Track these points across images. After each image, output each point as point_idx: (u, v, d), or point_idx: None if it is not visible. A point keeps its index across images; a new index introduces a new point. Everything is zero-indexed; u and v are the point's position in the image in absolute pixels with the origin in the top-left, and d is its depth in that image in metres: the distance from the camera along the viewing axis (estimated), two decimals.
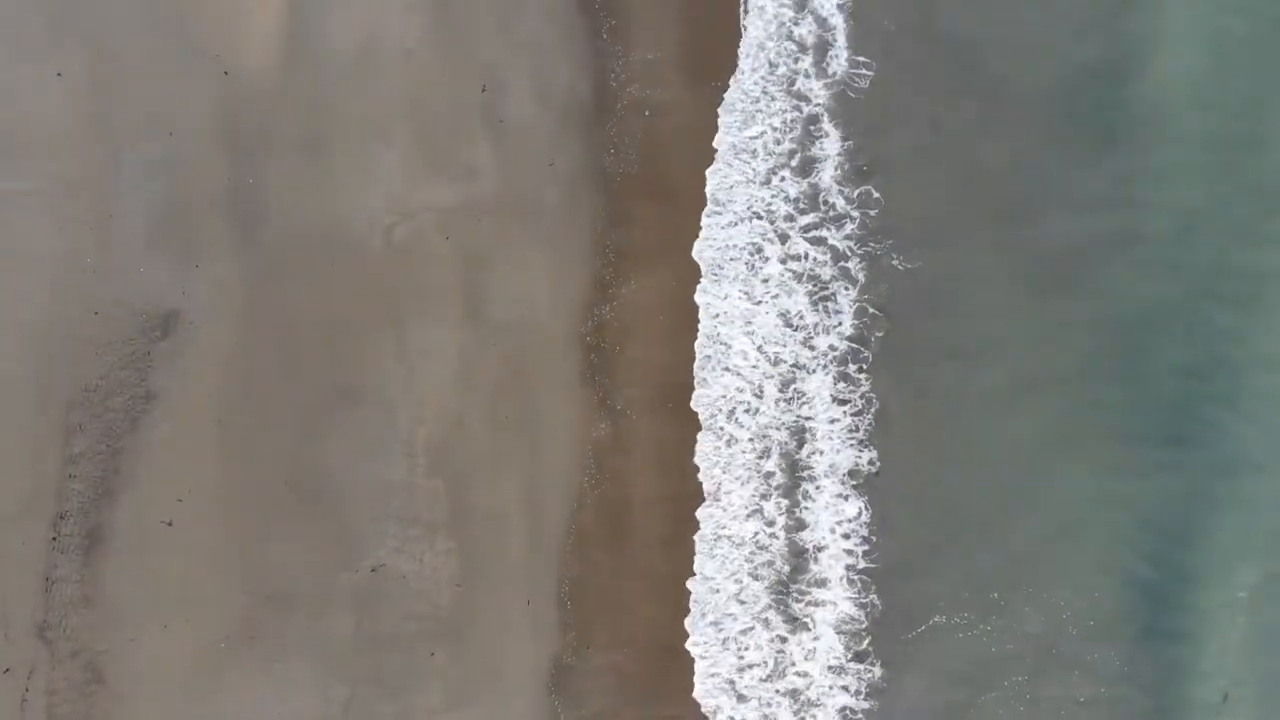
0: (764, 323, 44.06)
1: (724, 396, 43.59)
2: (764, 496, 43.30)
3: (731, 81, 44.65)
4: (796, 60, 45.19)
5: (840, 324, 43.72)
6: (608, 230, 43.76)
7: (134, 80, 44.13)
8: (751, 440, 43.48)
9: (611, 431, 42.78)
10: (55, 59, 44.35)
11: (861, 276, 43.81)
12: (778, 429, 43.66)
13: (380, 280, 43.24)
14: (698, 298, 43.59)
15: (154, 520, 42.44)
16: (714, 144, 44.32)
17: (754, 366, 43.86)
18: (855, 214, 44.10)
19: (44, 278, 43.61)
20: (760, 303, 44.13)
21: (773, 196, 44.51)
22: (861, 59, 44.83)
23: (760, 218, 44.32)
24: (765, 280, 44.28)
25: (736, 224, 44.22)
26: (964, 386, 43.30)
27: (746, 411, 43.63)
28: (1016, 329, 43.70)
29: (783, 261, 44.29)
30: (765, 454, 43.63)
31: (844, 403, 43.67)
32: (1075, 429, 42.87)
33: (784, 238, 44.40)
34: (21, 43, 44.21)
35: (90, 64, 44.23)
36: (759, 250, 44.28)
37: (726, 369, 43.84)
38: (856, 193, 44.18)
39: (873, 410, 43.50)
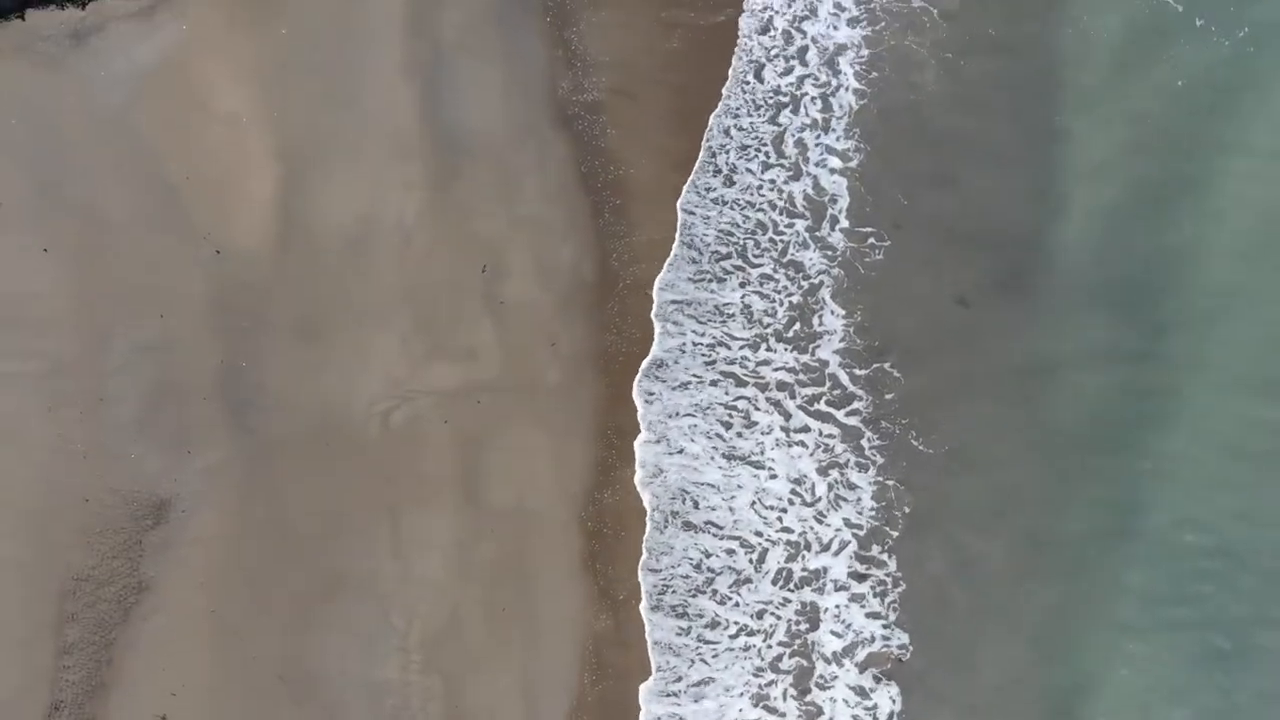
0: (760, 490, 43.21)
1: (696, 570, 42.49)
2: (767, 686, 42.52)
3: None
4: (798, 234, 44.45)
5: (859, 499, 42.80)
6: (610, 411, 43.02)
7: (124, 258, 43.70)
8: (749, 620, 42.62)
9: (613, 624, 42.05)
10: (42, 233, 43.70)
11: (880, 458, 42.99)
12: (780, 607, 42.86)
13: (377, 466, 42.63)
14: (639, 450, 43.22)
15: (148, 714, 41.72)
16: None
17: (736, 543, 43.08)
18: (864, 394, 43.34)
19: (34, 462, 43.01)
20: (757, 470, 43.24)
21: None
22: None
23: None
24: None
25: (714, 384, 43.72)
26: (999, 563, 42.55)
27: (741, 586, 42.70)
28: (1050, 495, 43.18)
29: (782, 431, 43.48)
30: (768, 635, 42.86)
31: (863, 578, 42.77)
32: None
33: (786, 413, 43.51)
34: (7, 215, 43.38)
35: (79, 239, 43.81)
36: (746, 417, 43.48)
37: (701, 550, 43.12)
38: (865, 372, 43.41)
39: (899, 589, 42.45)
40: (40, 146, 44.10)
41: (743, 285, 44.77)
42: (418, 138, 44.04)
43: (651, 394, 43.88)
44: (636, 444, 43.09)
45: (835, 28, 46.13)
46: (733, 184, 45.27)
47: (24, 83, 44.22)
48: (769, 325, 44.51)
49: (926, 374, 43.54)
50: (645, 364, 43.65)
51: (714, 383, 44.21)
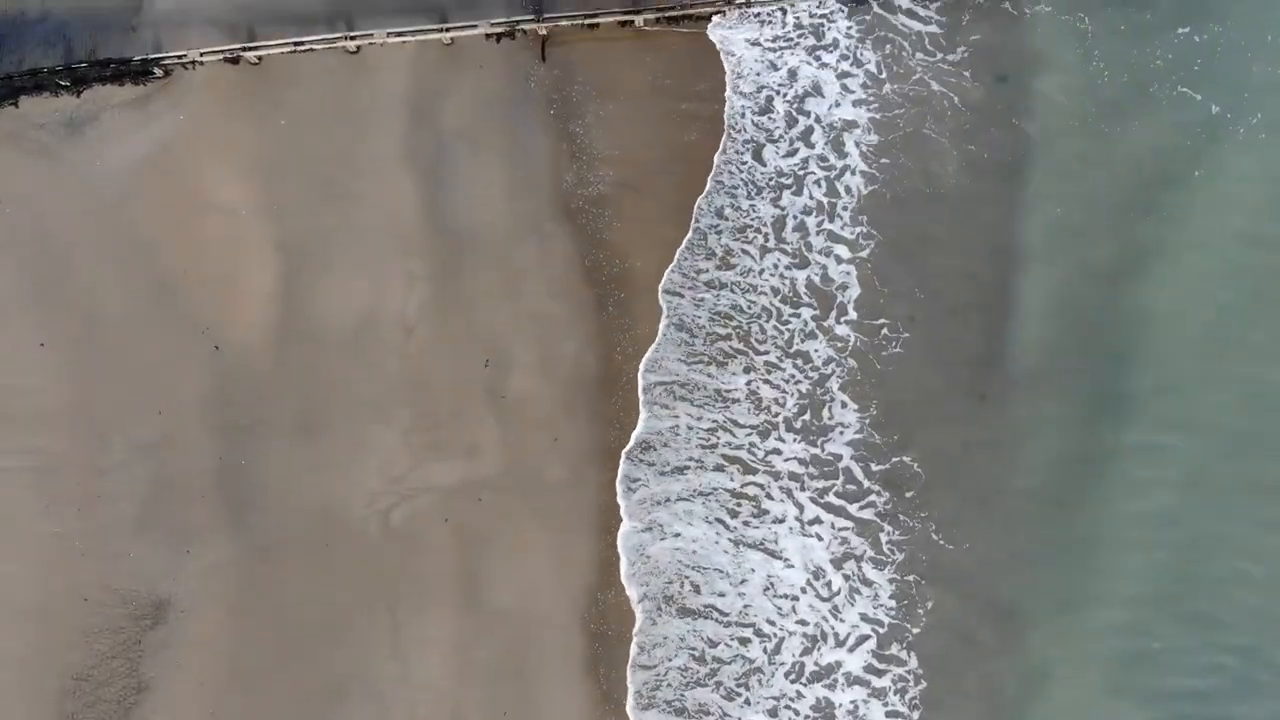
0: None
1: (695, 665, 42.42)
2: None
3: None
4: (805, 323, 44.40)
5: (877, 595, 42.78)
6: (613, 508, 42.68)
7: (121, 353, 43.59)
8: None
9: None
10: (39, 326, 43.49)
11: (899, 554, 42.58)
12: (795, 700, 42.54)
13: (376, 566, 42.57)
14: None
15: None
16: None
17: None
18: (882, 489, 43.18)
19: (32, 559, 43.17)
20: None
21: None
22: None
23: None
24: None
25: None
26: (1024, 662, 42.40)
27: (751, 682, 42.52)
28: (1078, 596, 43.00)
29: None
30: None
31: (882, 673, 42.51)
32: None
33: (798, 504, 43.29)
34: (2, 307, 43.29)
35: (75, 333, 43.69)
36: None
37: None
38: (882, 467, 43.08)
39: (920, 687, 42.54)
40: (35, 237, 43.91)
41: (747, 371, 44.00)
42: (420, 230, 43.57)
43: (636, 480, 43.33)
44: (620, 533, 42.63)
45: (839, 106, 45.15)
46: (730, 267, 44.47)
47: (18, 172, 43.94)
48: (777, 414, 43.81)
49: (947, 470, 43.13)
50: (628, 447, 43.11)
51: (718, 468, 43.63)
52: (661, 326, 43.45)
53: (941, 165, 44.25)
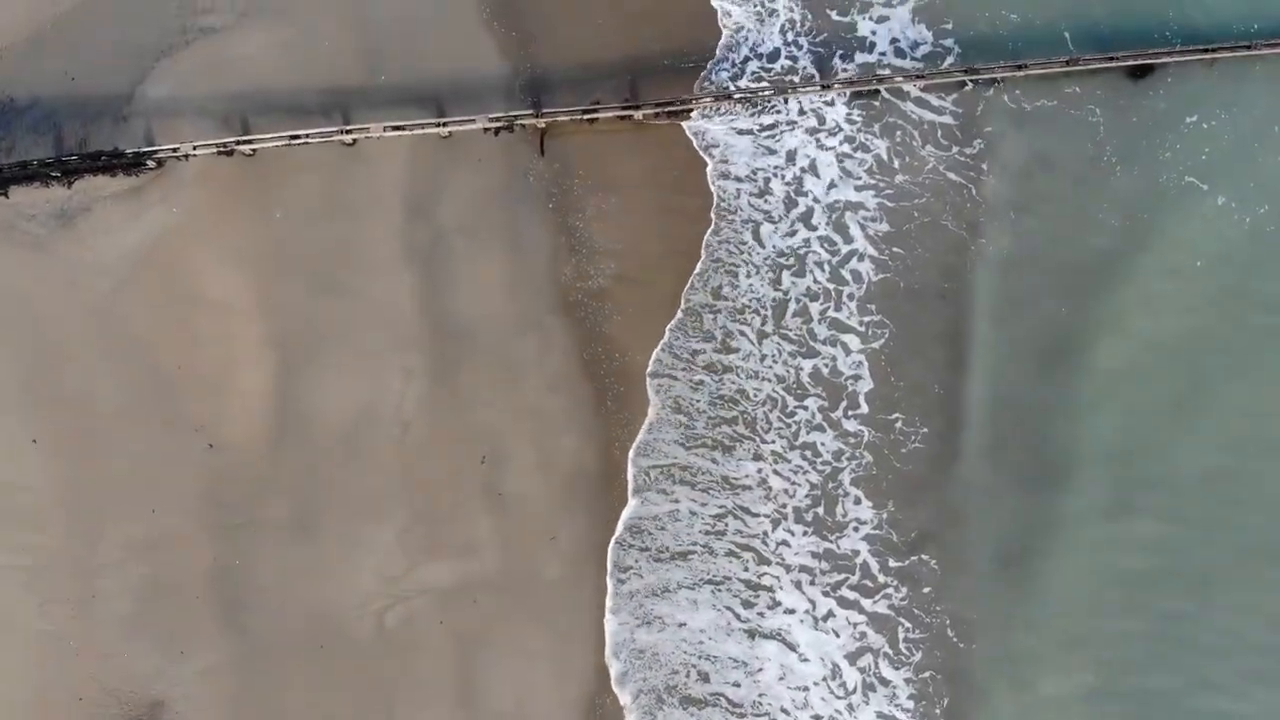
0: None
1: None
2: None
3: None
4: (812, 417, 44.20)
5: (894, 695, 42.91)
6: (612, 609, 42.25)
7: (115, 450, 43.40)
8: None
9: None
10: (31, 423, 43.22)
11: (918, 652, 42.64)
12: None
13: (372, 669, 42.60)
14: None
15: None
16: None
17: None
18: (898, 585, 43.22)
19: (26, 657, 43.12)
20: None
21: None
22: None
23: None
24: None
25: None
26: None
27: None
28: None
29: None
30: None
31: None
32: None
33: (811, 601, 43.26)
34: None
35: (68, 430, 43.38)
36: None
37: None
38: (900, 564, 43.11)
39: None
40: (26, 331, 43.75)
41: (756, 458, 43.56)
42: (416, 325, 43.27)
43: (628, 569, 43.06)
44: (607, 631, 42.32)
45: (837, 187, 44.60)
46: (731, 350, 44.02)
47: (8, 264, 43.81)
48: (785, 505, 43.51)
49: (967, 568, 42.86)
50: (616, 533, 42.76)
51: (730, 554, 43.10)
52: (651, 411, 43.12)
53: (957, 257, 43.67)
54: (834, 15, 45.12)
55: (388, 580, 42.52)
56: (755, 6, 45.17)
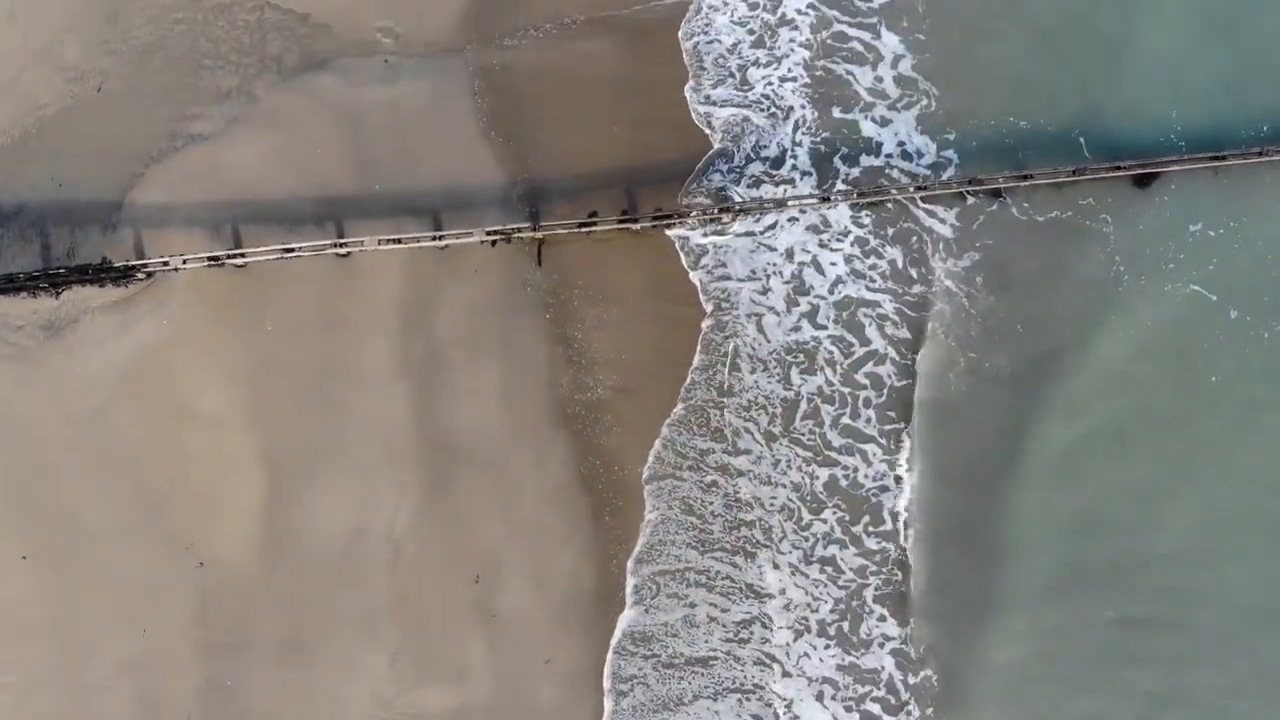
0: None
1: None
2: None
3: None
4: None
5: None
6: None
7: (106, 568, 43.15)
8: None
9: None
10: (21, 538, 42.78)
11: None
12: None
13: None
14: None
15: None
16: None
17: None
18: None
19: None
20: None
21: None
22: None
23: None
24: None
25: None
26: None
27: None
28: None
29: None
30: None
31: None
32: None
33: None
34: None
35: (59, 547, 43.08)
36: None
37: None
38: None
39: None
40: (14, 445, 43.41)
41: (776, 567, 43.02)
42: (410, 439, 42.84)
43: (631, 678, 42.49)
44: None
45: (845, 284, 44.01)
46: (741, 451, 43.40)
47: None
48: (807, 619, 42.98)
49: (1000, 688, 42.22)
50: (615, 638, 42.14)
51: (759, 663, 42.61)
52: (653, 513, 42.47)
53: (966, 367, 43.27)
54: (837, 114, 44.61)
55: (381, 704, 42.08)
56: (748, 111, 44.57)
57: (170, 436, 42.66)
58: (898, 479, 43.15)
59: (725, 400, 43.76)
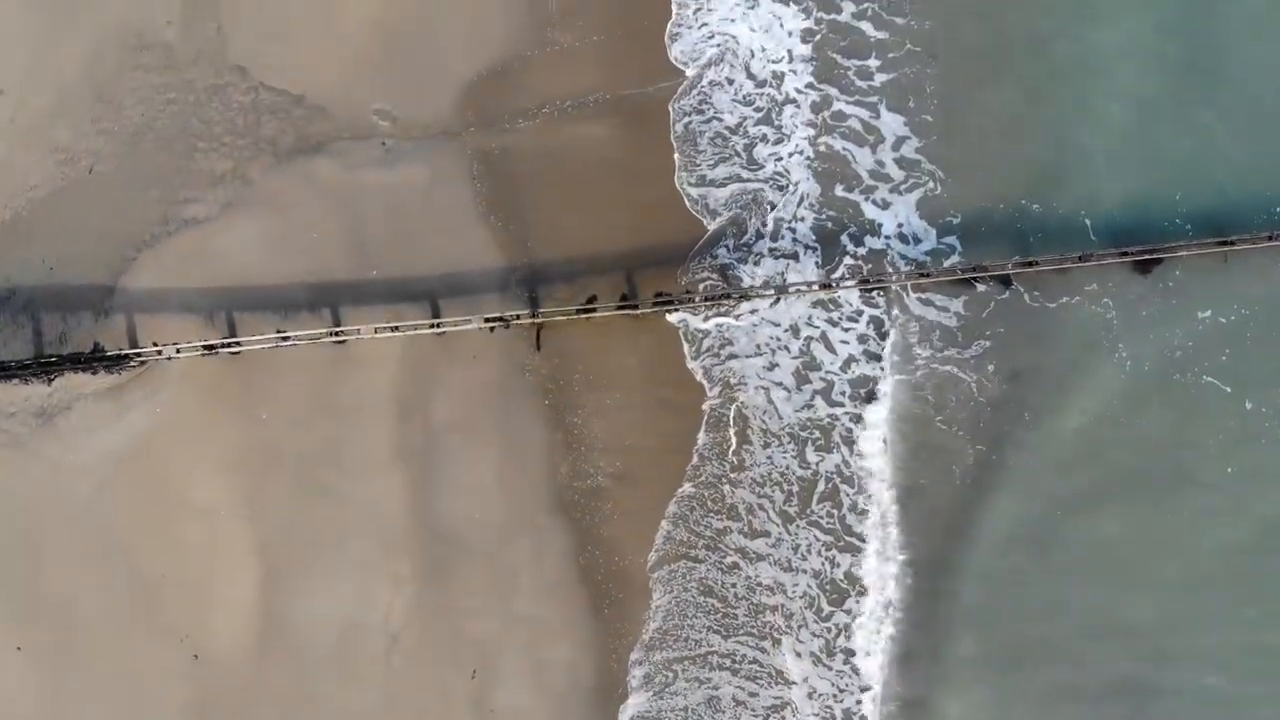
0: None
1: None
2: None
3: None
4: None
5: None
6: None
7: (99, 660, 43.01)
8: None
9: None
10: (13, 629, 42.33)
11: None
12: None
13: None
14: None
15: None
16: None
17: None
18: None
19: None
20: None
21: None
22: None
23: None
24: None
25: None
26: None
27: None
28: None
29: None
30: None
31: None
32: None
33: None
34: None
35: (52, 639, 42.72)
36: None
37: None
38: None
39: None
40: (7, 534, 42.99)
41: (798, 655, 42.70)
42: (406, 530, 42.61)
43: None
44: None
45: (859, 363, 43.59)
46: (760, 534, 42.94)
47: None
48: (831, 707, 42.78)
49: None
50: None
51: None
52: (657, 600, 42.01)
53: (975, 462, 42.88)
54: (840, 192, 44.15)
55: None
56: (748, 190, 44.00)
57: (165, 525, 42.39)
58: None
59: (738, 475, 43.47)
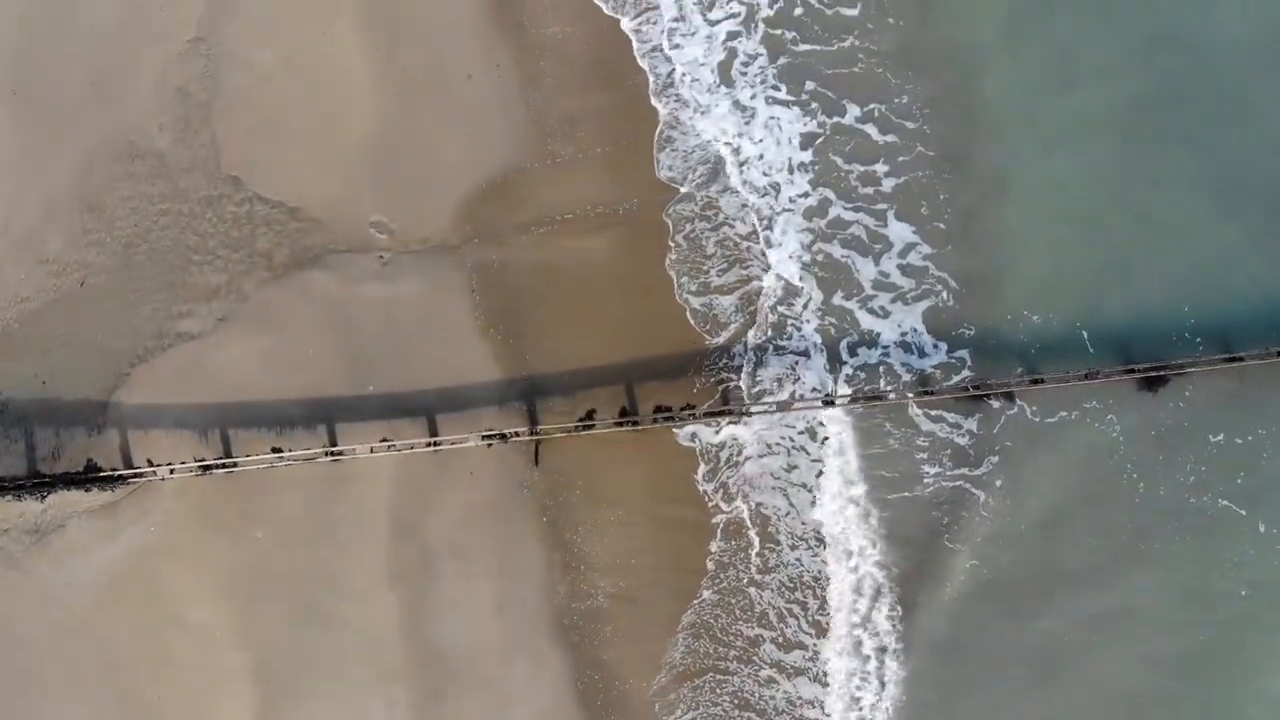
0: None
1: None
2: None
3: None
4: None
5: None
6: None
7: None
8: None
9: None
10: None
11: None
12: None
13: None
14: None
15: None
16: None
17: None
18: None
19: None
20: None
21: None
22: None
23: None
24: None
25: None
26: None
27: None
28: None
29: None
30: None
31: None
32: None
33: None
34: None
35: None
36: None
37: None
38: None
39: None
40: (1, 653, 42.05)
41: None
42: (402, 653, 42.61)
43: None
44: None
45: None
46: (793, 645, 42.48)
47: None
48: None
49: None
50: None
51: None
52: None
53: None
54: (842, 302, 43.66)
55: None
56: (753, 296, 43.63)
57: (159, 646, 42.24)
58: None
59: (763, 578, 43.08)
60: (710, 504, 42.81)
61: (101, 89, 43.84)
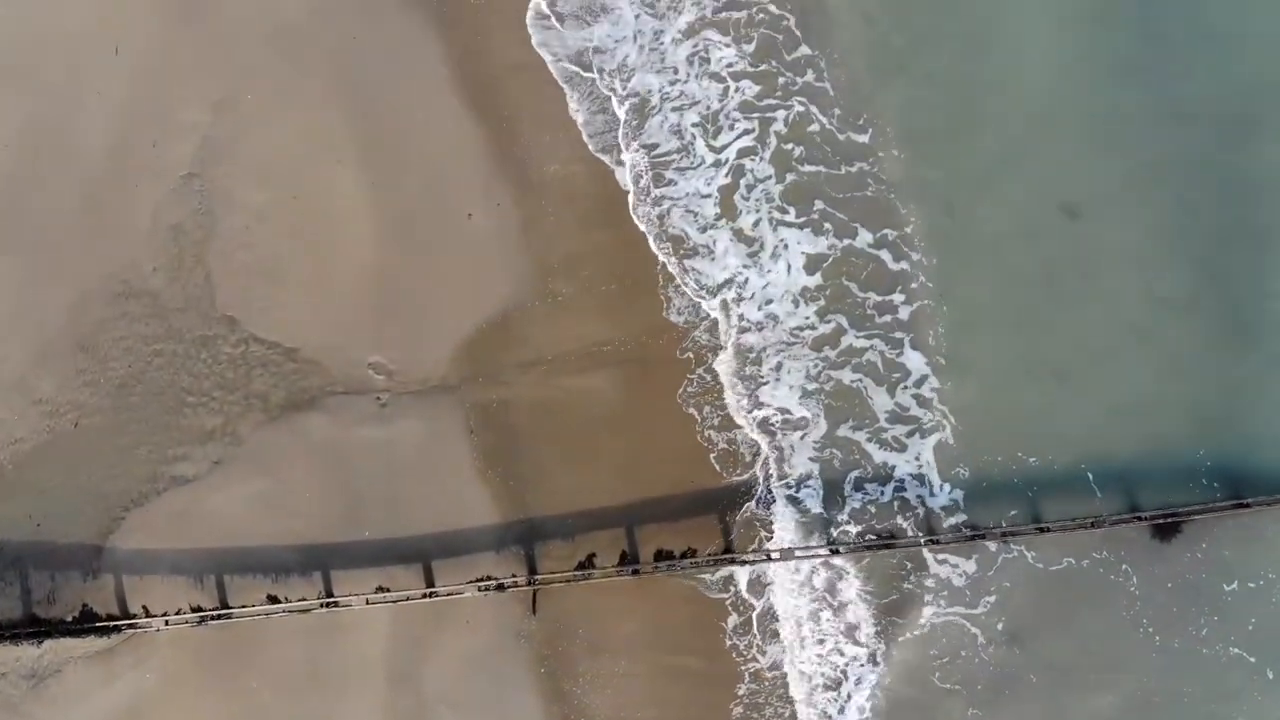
0: None
1: None
2: None
3: None
4: None
5: None
6: None
7: None
8: None
9: None
10: None
11: None
12: None
13: None
14: None
15: None
16: None
17: None
18: None
19: None
20: None
21: None
22: None
23: None
24: None
25: None
26: None
27: None
28: None
29: None
30: None
31: None
32: None
33: None
34: None
35: None
36: None
37: None
38: None
39: None
40: None
41: None
42: None
43: None
44: None
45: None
46: None
47: None
48: None
49: None
50: None
51: None
52: None
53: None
54: (849, 433, 43.03)
55: None
56: (763, 450, 43.18)
57: None
58: None
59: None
60: (709, 657, 41.97)
61: (94, 227, 43.35)
